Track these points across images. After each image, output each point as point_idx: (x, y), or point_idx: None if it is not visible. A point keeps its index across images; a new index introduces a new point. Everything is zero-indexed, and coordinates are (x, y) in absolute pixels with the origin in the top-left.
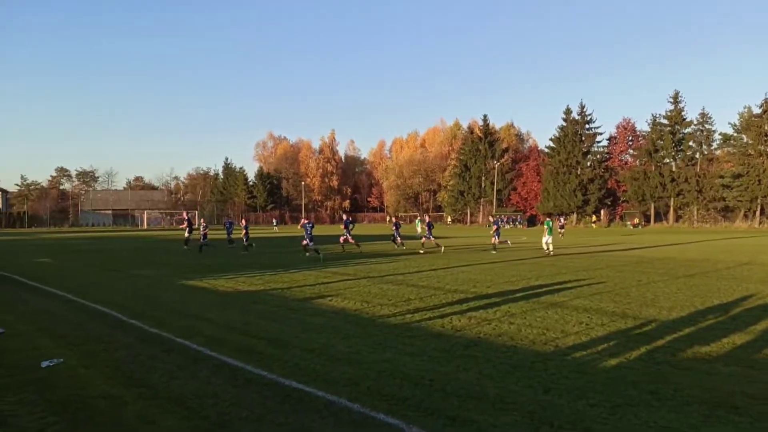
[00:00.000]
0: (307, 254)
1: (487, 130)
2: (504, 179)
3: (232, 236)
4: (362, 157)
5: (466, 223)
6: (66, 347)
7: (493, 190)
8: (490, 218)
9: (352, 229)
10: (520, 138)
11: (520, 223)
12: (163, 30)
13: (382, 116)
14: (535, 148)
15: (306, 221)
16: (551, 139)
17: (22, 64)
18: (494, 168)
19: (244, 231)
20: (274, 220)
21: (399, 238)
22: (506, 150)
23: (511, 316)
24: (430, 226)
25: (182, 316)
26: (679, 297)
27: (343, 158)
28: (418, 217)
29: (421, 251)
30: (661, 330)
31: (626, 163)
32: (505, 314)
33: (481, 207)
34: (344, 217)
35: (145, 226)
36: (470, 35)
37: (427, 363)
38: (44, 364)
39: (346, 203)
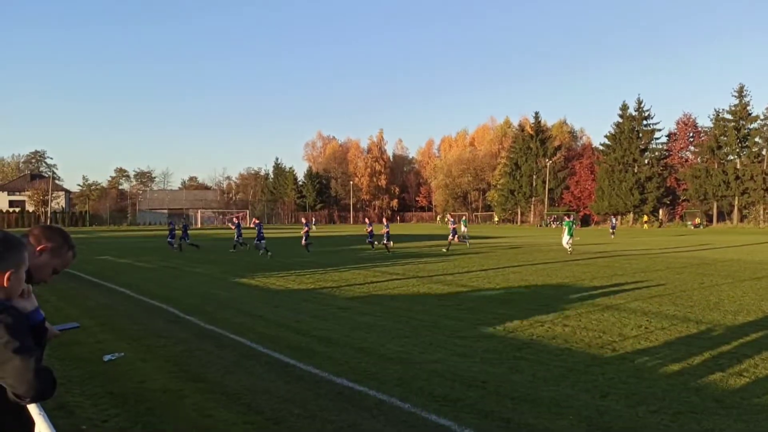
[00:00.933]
0: (269, 253)
1: (539, 128)
2: (556, 178)
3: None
4: (410, 156)
5: (517, 222)
6: (126, 341)
7: (544, 189)
8: (449, 216)
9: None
10: (573, 135)
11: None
12: (216, 31)
13: (431, 115)
14: (588, 146)
15: (257, 221)
16: (606, 136)
17: (80, 68)
18: (546, 166)
19: (236, 229)
20: (313, 219)
21: (373, 240)
22: (559, 148)
23: (565, 318)
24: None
25: (235, 313)
26: (745, 300)
27: (391, 157)
28: (464, 217)
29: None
30: (726, 335)
31: (687, 161)
32: (559, 316)
33: (533, 206)
34: (304, 220)
35: (199, 225)
36: (520, 30)
37: (478, 364)
38: (106, 357)
39: (394, 202)
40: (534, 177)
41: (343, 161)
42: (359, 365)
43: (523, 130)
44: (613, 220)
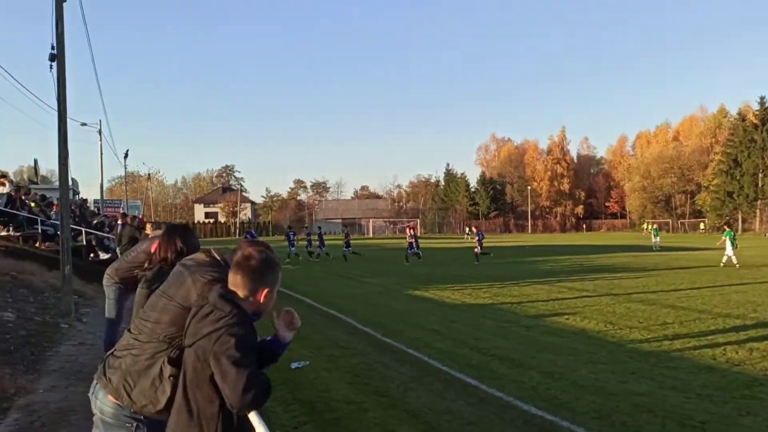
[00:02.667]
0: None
1: (766, 116)
2: None
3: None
4: (598, 156)
5: (737, 230)
6: (310, 350)
7: None
8: (473, 229)
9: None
10: None
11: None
12: (386, 38)
13: (623, 107)
14: None
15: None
16: None
17: (263, 89)
18: None
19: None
20: (467, 229)
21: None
22: None
23: None
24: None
25: (411, 326)
26: None
27: (575, 158)
28: (654, 225)
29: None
30: None
31: None
32: None
33: (758, 211)
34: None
35: (371, 235)
36: None
37: (695, 401)
38: (293, 365)
39: (580, 209)
40: (760, 176)
41: (519, 164)
42: (548, 391)
43: (744, 120)
44: None
